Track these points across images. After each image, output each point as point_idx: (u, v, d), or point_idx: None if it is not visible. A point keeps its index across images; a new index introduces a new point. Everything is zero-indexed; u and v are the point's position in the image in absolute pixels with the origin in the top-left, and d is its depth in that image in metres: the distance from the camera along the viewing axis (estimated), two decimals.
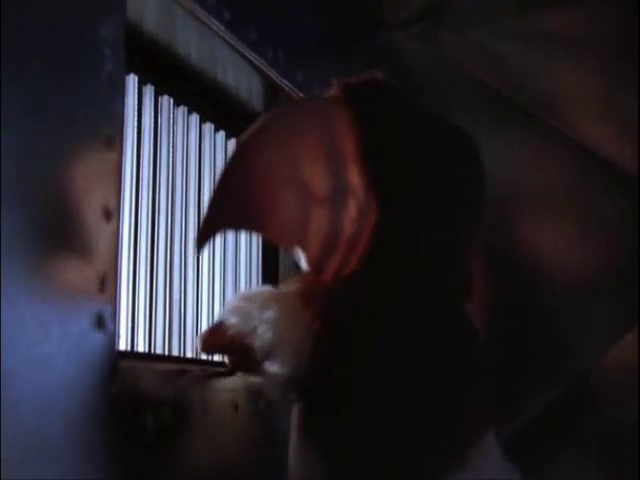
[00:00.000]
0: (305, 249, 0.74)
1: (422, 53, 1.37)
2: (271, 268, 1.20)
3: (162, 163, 0.97)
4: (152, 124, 0.95)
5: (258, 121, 0.75)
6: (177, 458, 0.77)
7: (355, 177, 0.71)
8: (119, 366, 0.68)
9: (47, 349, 0.59)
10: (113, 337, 0.67)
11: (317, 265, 0.73)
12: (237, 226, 0.80)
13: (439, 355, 0.70)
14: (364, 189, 0.71)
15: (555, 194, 1.39)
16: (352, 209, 0.71)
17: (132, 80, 0.92)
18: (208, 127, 1.07)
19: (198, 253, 0.83)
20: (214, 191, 0.74)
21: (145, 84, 0.94)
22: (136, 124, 0.92)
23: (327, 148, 0.72)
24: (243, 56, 0.96)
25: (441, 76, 1.40)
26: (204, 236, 0.75)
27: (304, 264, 0.76)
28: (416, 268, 0.72)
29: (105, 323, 0.65)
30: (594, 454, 1.28)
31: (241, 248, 1.14)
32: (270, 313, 0.72)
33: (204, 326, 1.04)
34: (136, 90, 0.92)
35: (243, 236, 1.15)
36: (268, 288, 0.78)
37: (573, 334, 1.34)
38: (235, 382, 0.88)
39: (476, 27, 1.42)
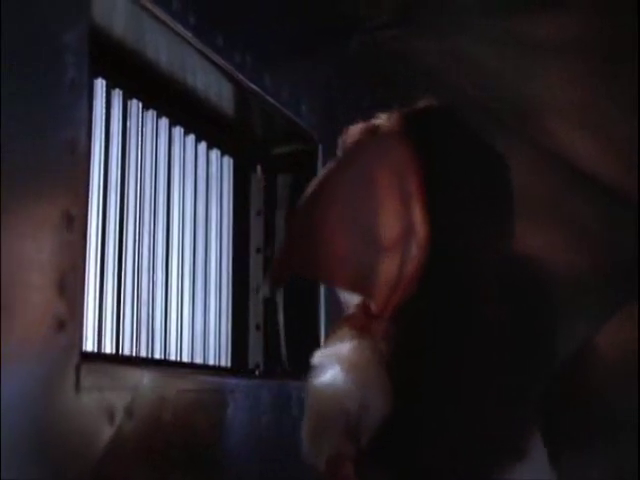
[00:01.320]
0: (373, 295, 0.72)
1: (394, 58, 1.38)
2: (241, 270, 1.21)
3: (131, 166, 0.98)
4: (121, 128, 0.96)
5: (327, 167, 0.74)
6: (142, 459, 0.78)
7: (418, 213, 0.70)
8: (82, 368, 0.69)
9: (7, 352, 0.60)
10: (74, 339, 0.68)
11: (384, 307, 0.71)
12: (306, 273, 0.78)
13: (499, 357, 0.72)
14: (424, 223, 0.70)
15: (534, 201, 1.41)
16: (414, 247, 0.70)
17: (100, 84, 0.93)
18: (178, 131, 1.08)
19: (273, 293, 0.82)
20: (287, 234, 0.75)
21: (113, 88, 0.95)
22: (104, 128, 0.93)
23: (395, 191, 0.71)
24: (211, 60, 0.97)
25: (413, 81, 1.41)
26: (278, 279, 0.78)
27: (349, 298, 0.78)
28: (469, 285, 0.73)
29: (66, 326, 0.66)
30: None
31: (211, 250, 1.16)
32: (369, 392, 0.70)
33: (173, 328, 1.06)
34: (104, 94, 0.93)
35: (213, 238, 1.16)
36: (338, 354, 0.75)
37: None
38: (199, 382, 0.89)
39: (452, 33, 1.41)
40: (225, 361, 1.17)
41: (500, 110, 1.43)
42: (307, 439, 0.72)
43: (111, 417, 0.73)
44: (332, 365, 0.72)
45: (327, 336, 0.78)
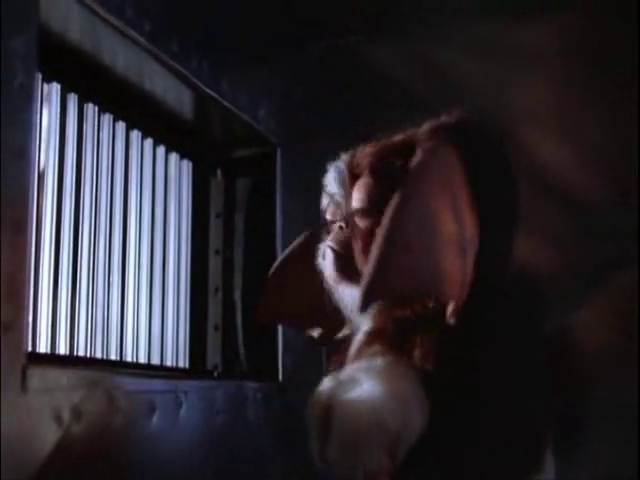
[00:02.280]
0: (447, 297, 0.71)
1: (358, 64, 1.39)
2: (200, 272, 1.22)
3: (87, 169, 0.99)
4: (76, 131, 0.97)
5: (398, 197, 0.71)
6: (90, 460, 0.79)
7: (469, 218, 0.71)
8: (28, 369, 0.70)
9: None
10: (20, 341, 0.69)
11: (456, 314, 0.71)
12: (407, 291, 0.74)
13: (522, 369, 0.74)
14: (474, 228, 0.71)
15: None
16: (471, 251, 0.70)
17: (55, 89, 0.94)
18: (136, 134, 1.09)
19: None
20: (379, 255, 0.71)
21: (69, 92, 0.96)
22: (59, 132, 0.94)
23: (454, 201, 0.71)
24: (167, 66, 0.98)
25: (375, 88, 1.42)
26: (373, 298, 0.74)
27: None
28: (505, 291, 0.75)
29: (11, 328, 0.67)
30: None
31: (170, 252, 1.17)
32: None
33: (129, 329, 1.07)
34: (59, 98, 0.94)
35: (172, 240, 1.17)
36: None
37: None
38: (151, 383, 0.91)
39: (419, 39, 1.42)
40: (183, 362, 1.18)
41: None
42: (337, 453, 0.68)
43: (59, 418, 0.74)
44: (367, 379, 0.70)
45: (356, 352, 0.77)
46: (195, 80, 1.02)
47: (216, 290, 1.24)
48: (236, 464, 1.05)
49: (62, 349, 0.94)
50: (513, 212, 0.79)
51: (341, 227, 0.78)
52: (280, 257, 0.94)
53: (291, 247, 0.93)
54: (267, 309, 0.93)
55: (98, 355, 1.00)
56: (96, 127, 1.01)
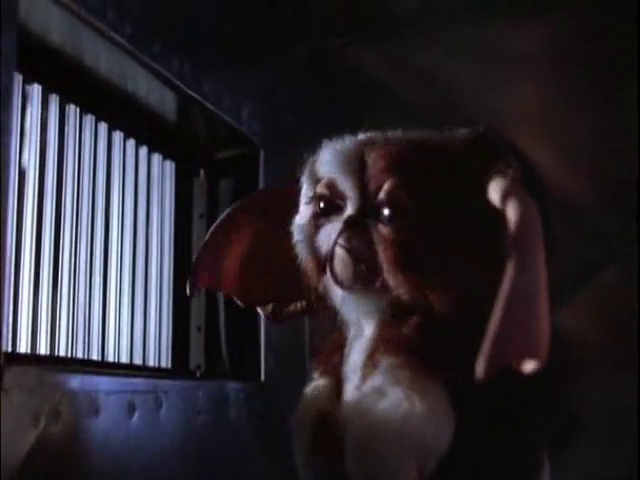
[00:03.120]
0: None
1: (341, 67, 1.40)
2: (184, 272, 1.22)
3: (68, 169, 1.00)
4: (57, 132, 0.98)
5: (517, 259, 0.64)
6: (69, 461, 0.80)
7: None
8: (4, 369, 0.70)
9: None
10: None
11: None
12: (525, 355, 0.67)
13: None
14: None
15: None
16: None
17: (36, 90, 0.94)
18: (118, 135, 1.10)
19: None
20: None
21: (50, 93, 0.96)
22: (39, 132, 0.94)
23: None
24: (149, 67, 0.98)
25: (360, 91, 1.43)
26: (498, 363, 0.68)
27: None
28: None
29: None
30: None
31: (152, 252, 1.17)
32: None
33: (111, 329, 1.07)
34: (40, 99, 0.94)
35: (154, 240, 1.18)
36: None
37: None
38: (130, 383, 0.91)
39: (403, 43, 1.41)
40: (166, 362, 1.19)
41: (456, 124, 1.44)
42: (360, 463, 0.65)
43: (36, 419, 0.74)
44: (394, 391, 0.66)
45: (366, 359, 0.71)
46: (177, 82, 1.03)
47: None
48: (217, 464, 1.06)
49: (42, 349, 0.94)
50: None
51: (349, 224, 0.70)
52: (224, 215, 0.83)
53: (237, 205, 0.85)
54: (209, 276, 0.82)
55: (79, 355, 1.01)
56: (77, 128, 1.01)
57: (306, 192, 0.76)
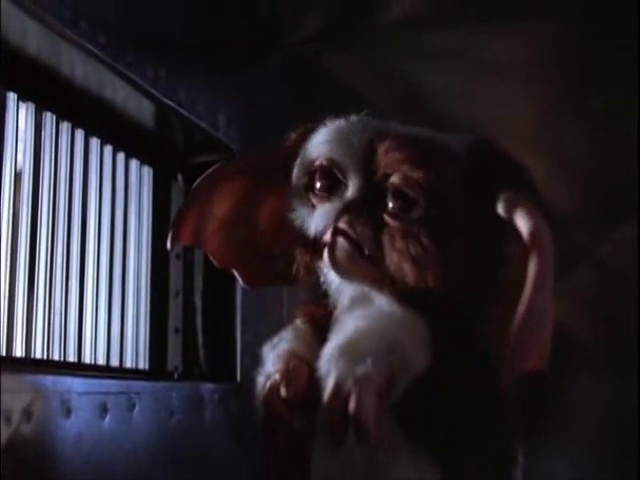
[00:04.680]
0: None
1: (317, 74, 1.41)
2: (161, 275, 1.25)
3: (44, 175, 1.02)
4: (33, 139, 1.00)
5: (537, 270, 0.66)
6: (40, 462, 0.82)
7: None
8: None
9: None
10: None
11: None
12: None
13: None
14: None
15: None
16: None
17: (12, 98, 0.96)
18: (95, 142, 1.12)
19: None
20: None
21: (25, 101, 0.98)
22: (15, 139, 0.96)
23: None
24: (124, 76, 1.00)
25: (337, 98, 1.44)
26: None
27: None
28: None
29: None
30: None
31: (130, 255, 1.19)
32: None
33: (88, 331, 1.09)
34: (15, 107, 0.97)
35: (132, 243, 1.20)
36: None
37: None
38: (103, 384, 0.93)
39: (384, 49, 1.40)
40: (143, 364, 1.21)
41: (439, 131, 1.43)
42: (336, 357, 0.62)
43: (7, 420, 0.77)
44: (379, 298, 0.67)
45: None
46: (152, 90, 1.05)
47: (177, 293, 1.27)
48: (191, 465, 1.08)
49: (18, 352, 0.97)
50: None
51: (351, 208, 0.69)
52: (210, 172, 0.81)
53: (225, 164, 0.85)
54: (191, 233, 0.79)
55: (55, 357, 1.03)
56: (54, 135, 1.03)
57: (301, 165, 0.75)
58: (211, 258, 0.82)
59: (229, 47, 1.23)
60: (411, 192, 0.67)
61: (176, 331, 1.26)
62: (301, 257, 0.75)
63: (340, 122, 0.74)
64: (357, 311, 0.69)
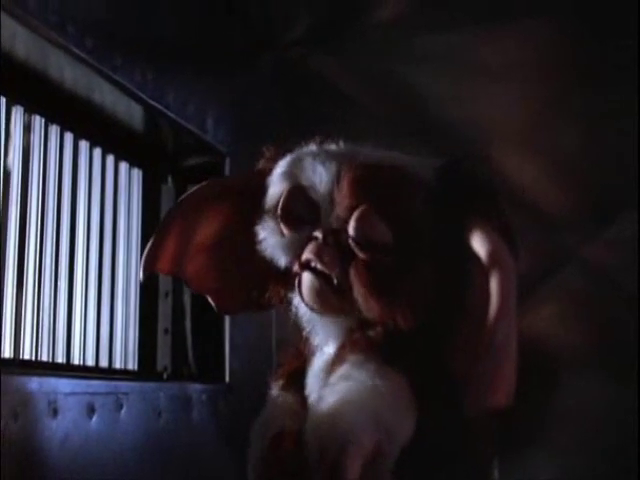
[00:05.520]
0: None
1: (305, 76, 1.42)
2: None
3: (33, 177, 1.03)
4: (22, 142, 1.01)
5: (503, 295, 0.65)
6: (27, 462, 0.83)
7: None
8: None
9: None
10: None
11: None
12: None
13: None
14: None
15: None
16: None
17: (1, 101, 0.97)
18: (84, 144, 1.13)
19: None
20: None
21: (14, 105, 0.99)
22: (4, 142, 0.97)
23: None
24: (111, 80, 1.01)
25: (327, 101, 1.44)
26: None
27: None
28: None
29: None
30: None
31: (119, 256, 1.20)
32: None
33: (77, 333, 1.10)
34: (4, 111, 0.97)
35: (122, 244, 1.21)
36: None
37: None
38: (90, 385, 0.94)
39: (373, 52, 1.41)
40: (132, 365, 1.22)
41: (429, 134, 1.40)
42: (318, 434, 0.62)
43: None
44: (358, 373, 0.65)
45: (331, 364, 0.70)
46: (139, 93, 1.06)
47: (166, 294, 1.27)
48: (179, 465, 1.09)
49: (7, 353, 0.97)
50: None
51: (318, 243, 0.68)
52: (186, 196, 0.80)
53: (202, 187, 0.80)
54: (171, 260, 0.77)
55: (44, 358, 1.04)
56: (43, 137, 1.04)
57: (273, 190, 0.73)
58: (187, 283, 0.81)
59: (218, 50, 1.24)
60: (377, 224, 0.67)
61: (165, 332, 1.27)
62: (273, 287, 0.75)
63: (309, 149, 0.73)
64: (338, 384, 0.66)
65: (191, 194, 0.80)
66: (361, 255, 0.67)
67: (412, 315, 0.67)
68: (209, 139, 1.21)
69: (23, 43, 0.94)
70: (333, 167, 0.70)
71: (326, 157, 0.71)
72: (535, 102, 1.44)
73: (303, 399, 0.72)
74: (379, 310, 0.67)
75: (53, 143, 1.06)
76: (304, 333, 0.74)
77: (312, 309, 0.70)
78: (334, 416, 0.62)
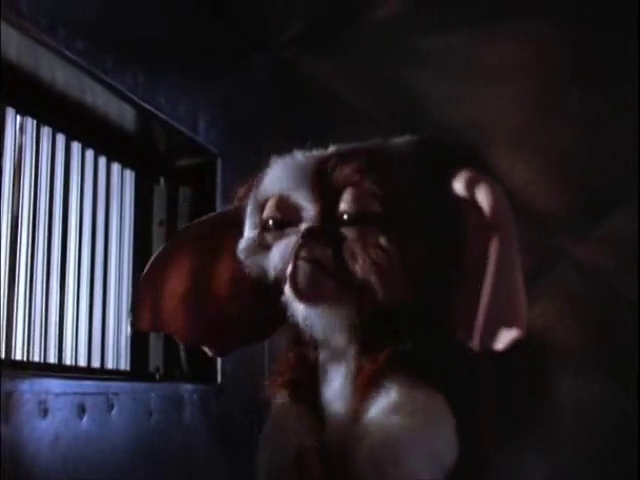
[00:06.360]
0: None
1: (297, 77, 1.42)
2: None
3: (25, 178, 1.03)
4: (14, 143, 1.01)
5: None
6: (13, 463, 0.83)
7: None
8: None
9: None
10: None
11: None
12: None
13: None
14: None
15: None
16: None
17: None
18: (76, 146, 1.13)
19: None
20: None
21: (6, 107, 1.00)
22: None
23: None
24: (103, 82, 1.02)
25: (318, 101, 1.45)
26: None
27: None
28: None
29: None
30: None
31: (111, 258, 1.21)
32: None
33: (69, 333, 1.11)
34: None
35: (114, 246, 1.21)
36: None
37: None
38: (81, 385, 0.95)
39: (365, 53, 1.41)
40: (125, 365, 1.22)
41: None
42: (379, 472, 0.63)
43: None
44: (405, 405, 0.66)
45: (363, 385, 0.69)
46: (131, 95, 1.06)
47: None
48: (170, 465, 1.10)
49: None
50: None
51: (309, 234, 0.68)
52: (159, 251, 0.80)
53: (172, 239, 0.83)
54: (152, 318, 0.77)
55: (36, 359, 1.04)
56: (34, 139, 1.05)
57: (251, 214, 0.74)
58: (175, 339, 0.81)
59: (209, 51, 1.24)
60: (365, 201, 0.67)
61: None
62: (267, 308, 0.73)
63: (285, 160, 0.73)
64: (389, 418, 0.65)
65: (162, 249, 0.79)
66: (353, 235, 0.67)
67: (410, 288, 0.67)
68: (201, 140, 1.22)
69: (14, 45, 0.94)
70: (310, 165, 0.70)
71: (302, 161, 0.71)
72: (531, 102, 1.44)
73: (318, 411, 0.70)
74: (380, 287, 0.66)
75: (45, 145, 1.07)
76: (296, 337, 0.73)
77: (308, 301, 0.68)
78: (397, 456, 0.63)
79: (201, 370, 1.27)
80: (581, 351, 1.50)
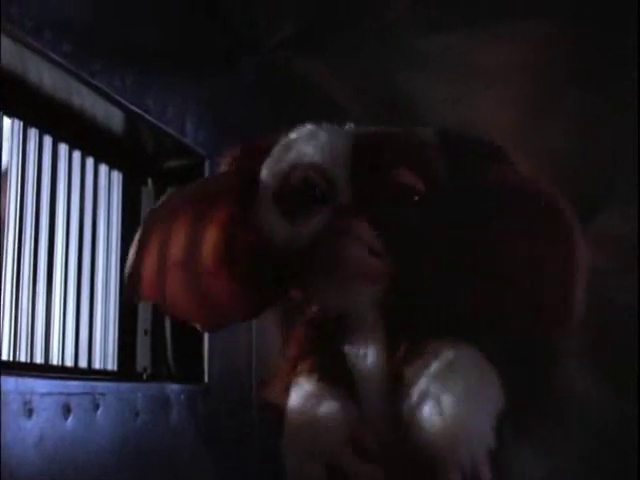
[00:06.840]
0: None
1: (286, 78, 1.43)
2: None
3: (12, 180, 1.04)
4: (1, 147, 1.02)
5: None
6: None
7: None
8: None
9: None
10: None
11: None
12: None
13: None
14: None
15: None
16: None
17: None
18: (63, 147, 1.14)
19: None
20: None
21: None
22: None
23: None
24: (90, 84, 1.02)
25: (307, 102, 1.45)
26: None
27: None
28: None
29: None
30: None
31: (99, 257, 1.21)
32: None
33: (56, 333, 1.11)
34: None
35: (101, 246, 1.22)
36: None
37: None
38: (66, 385, 0.95)
39: (358, 54, 1.42)
40: (112, 365, 1.23)
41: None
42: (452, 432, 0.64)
43: None
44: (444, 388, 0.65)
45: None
46: (118, 97, 1.07)
47: None
48: (156, 465, 1.10)
49: None
50: None
51: (346, 212, 0.67)
52: (152, 216, 0.76)
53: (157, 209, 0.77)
54: (148, 287, 0.73)
55: (22, 359, 1.05)
56: (22, 141, 1.05)
57: (269, 181, 0.71)
58: (165, 311, 0.79)
59: (197, 53, 1.25)
60: (405, 182, 0.67)
61: (145, 332, 1.28)
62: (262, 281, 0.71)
63: (312, 132, 0.73)
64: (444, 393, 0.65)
65: (161, 205, 0.77)
66: (396, 216, 0.67)
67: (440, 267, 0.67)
68: (189, 142, 1.23)
69: (1, 48, 0.94)
70: (346, 143, 0.70)
71: (337, 135, 0.71)
72: (530, 102, 1.45)
73: (352, 389, 0.69)
74: (412, 266, 0.67)
75: (32, 146, 1.07)
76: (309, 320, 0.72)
77: (355, 277, 0.67)
78: (467, 429, 0.64)
79: (188, 370, 1.28)
80: (580, 353, 1.51)
